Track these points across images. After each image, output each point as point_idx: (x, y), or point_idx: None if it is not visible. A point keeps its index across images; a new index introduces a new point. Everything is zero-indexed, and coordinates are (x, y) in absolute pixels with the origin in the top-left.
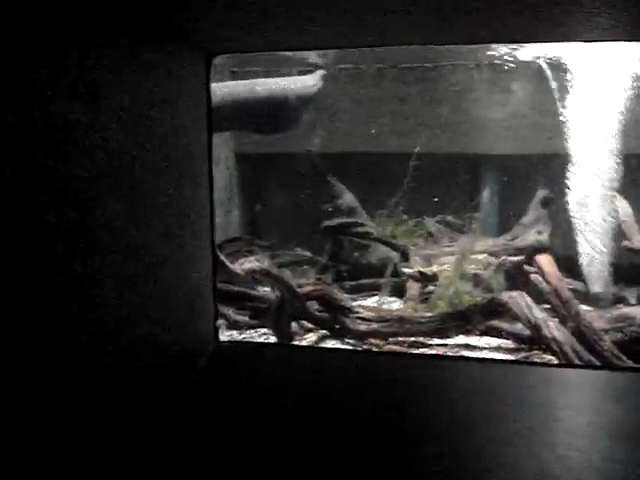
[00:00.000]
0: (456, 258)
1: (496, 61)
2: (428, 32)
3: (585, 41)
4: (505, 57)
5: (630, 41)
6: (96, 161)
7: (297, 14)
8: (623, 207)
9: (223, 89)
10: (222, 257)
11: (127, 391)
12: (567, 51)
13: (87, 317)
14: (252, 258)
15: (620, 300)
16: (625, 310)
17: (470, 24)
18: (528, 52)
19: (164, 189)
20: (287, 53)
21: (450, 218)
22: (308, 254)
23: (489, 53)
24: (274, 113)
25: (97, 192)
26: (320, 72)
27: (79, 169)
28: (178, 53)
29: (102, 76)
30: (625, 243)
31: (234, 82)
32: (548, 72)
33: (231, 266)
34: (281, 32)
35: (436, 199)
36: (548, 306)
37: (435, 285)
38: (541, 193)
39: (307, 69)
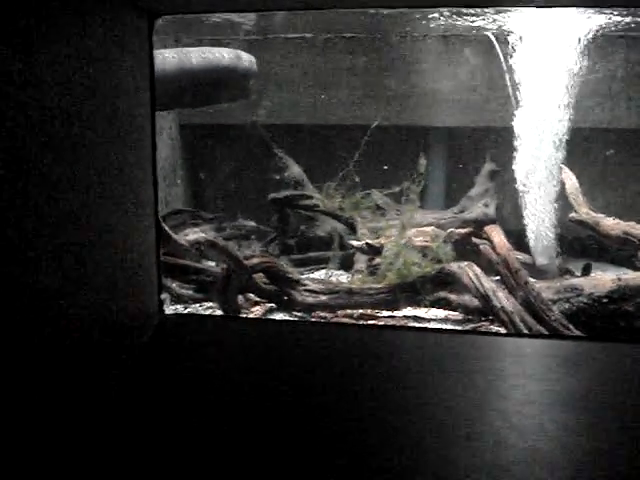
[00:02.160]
0: (398, 227)
1: (445, 33)
2: None
3: (538, 6)
4: (454, 29)
5: (581, 7)
6: (30, 116)
7: None
8: (570, 179)
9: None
10: (166, 228)
11: (68, 360)
12: (517, 23)
13: (23, 283)
14: (197, 229)
15: (566, 272)
16: (573, 281)
17: None
18: (477, 24)
19: (105, 152)
20: (231, 21)
21: (398, 191)
22: (254, 226)
23: (438, 24)
24: (210, 85)
25: (31, 149)
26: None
27: (10, 123)
28: (119, 11)
29: (37, 25)
30: (572, 215)
31: (168, 50)
32: (497, 45)
33: (175, 237)
34: None
35: (384, 172)
36: (497, 277)
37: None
38: (488, 166)
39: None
